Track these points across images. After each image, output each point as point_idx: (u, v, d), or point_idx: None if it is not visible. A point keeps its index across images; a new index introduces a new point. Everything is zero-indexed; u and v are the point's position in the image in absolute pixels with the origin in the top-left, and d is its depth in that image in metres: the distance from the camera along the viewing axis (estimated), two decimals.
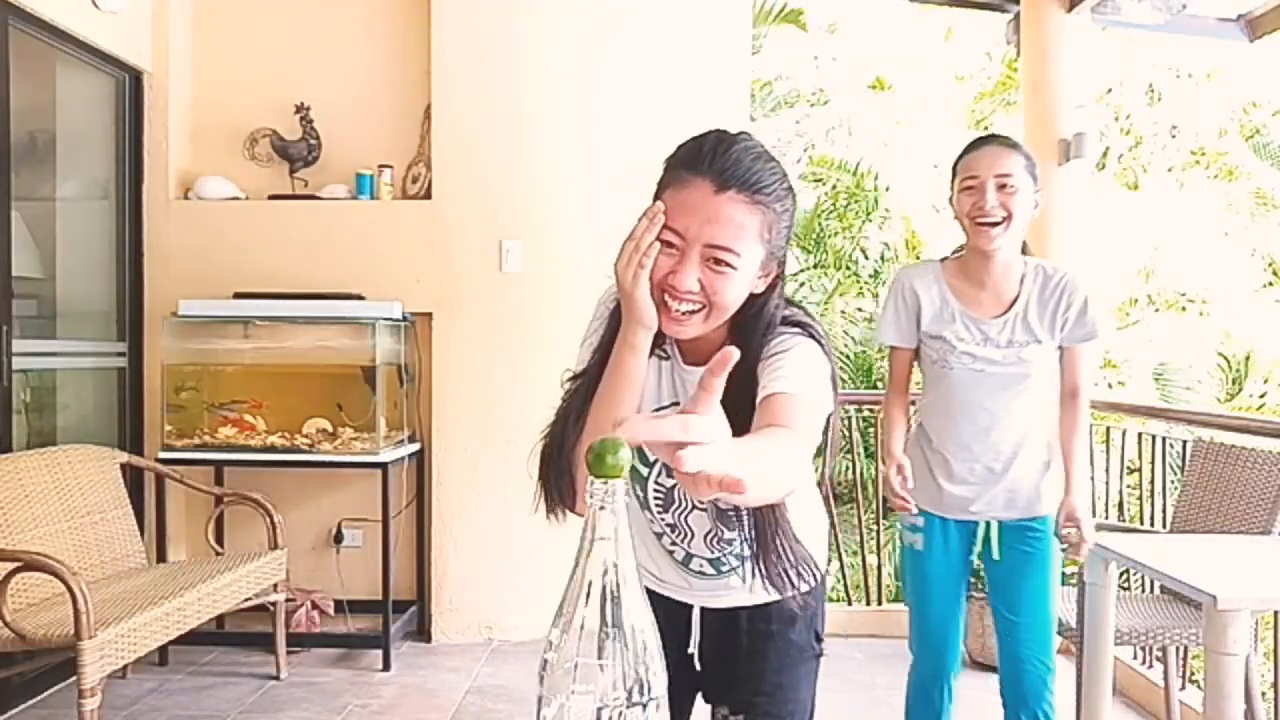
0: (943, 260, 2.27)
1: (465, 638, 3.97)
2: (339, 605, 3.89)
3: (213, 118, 4.12)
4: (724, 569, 1.43)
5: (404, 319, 3.92)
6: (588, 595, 0.79)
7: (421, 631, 4.02)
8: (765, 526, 1.26)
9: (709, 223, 1.18)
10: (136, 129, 3.97)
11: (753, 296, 1.26)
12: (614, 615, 0.79)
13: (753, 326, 1.27)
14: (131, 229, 3.97)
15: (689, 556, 1.43)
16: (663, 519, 1.43)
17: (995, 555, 2.26)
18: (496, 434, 3.97)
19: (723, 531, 1.39)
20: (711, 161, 1.19)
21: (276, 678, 3.47)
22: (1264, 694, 2.73)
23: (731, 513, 1.33)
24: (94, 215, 3.95)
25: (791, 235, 1.30)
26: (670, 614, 1.46)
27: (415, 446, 3.99)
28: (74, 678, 2.49)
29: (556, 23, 4.00)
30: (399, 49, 4.10)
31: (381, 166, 4.00)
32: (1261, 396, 8.56)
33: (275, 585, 3.41)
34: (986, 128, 9.56)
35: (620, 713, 0.79)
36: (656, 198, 1.23)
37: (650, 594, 1.42)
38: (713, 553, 1.42)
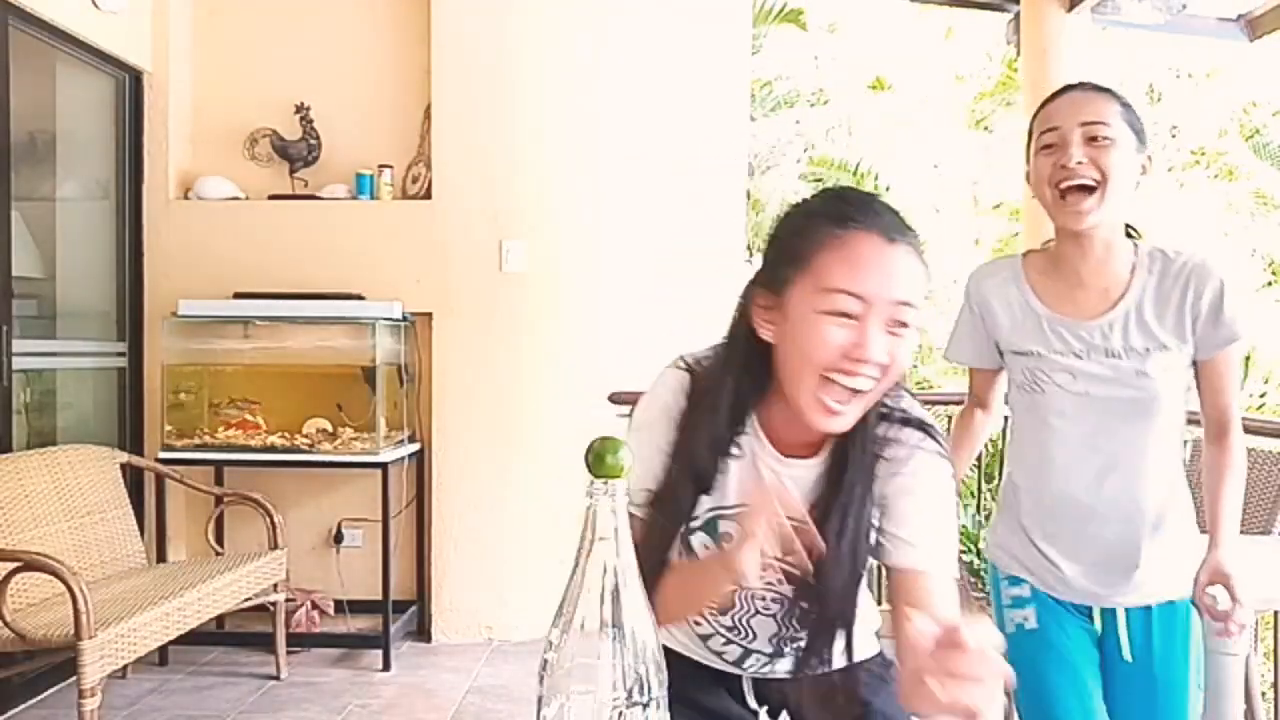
0: (1025, 254, 1.74)
1: (465, 638, 3.97)
2: (339, 605, 3.89)
3: (213, 118, 4.12)
4: (785, 653, 1.28)
5: (404, 319, 3.92)
6: (588, 595, 0.79)
7: (421, 631, 4.02)
8: (824, 636, 1.14)
9: (891, 277, 1.05)
10: (136, 129, 3.97)
11: None
12: (614, 615, 0.79)
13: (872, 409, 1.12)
14: (131, 229, 3.97)
15: (746, 653, 1.28)
16: (718, 621, 1.26)
17: (1126, 654, 1.65)
18: (497, 434, 3.97)
19: (793, 630, 1.22)
20: (870, 212, 1.07)
21: (277, 678, 3.47)
22: (1264, 694, 2.73)
23: (806, 611, 1.17)
24: (94, 215, 3.94)
25: None
26: (717, 677, 1.33)
27: (415, 446, 3.99)
28: (74, 678, 2.49)
29: (556, 23, 4.00)
30: (399, 49, 4.10)
31: (381, 166, 4.00)
32: (1261, 396, 8.55)
33: (275, 585, 3.41)
34: (987, 128, 9.56)
35: (620, 713, 0.79)
36: (790, 268, 1.08)
37: (688, 661, 1.32)
38: (774, 648, 1.27)
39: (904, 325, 1.07)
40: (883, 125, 9.73)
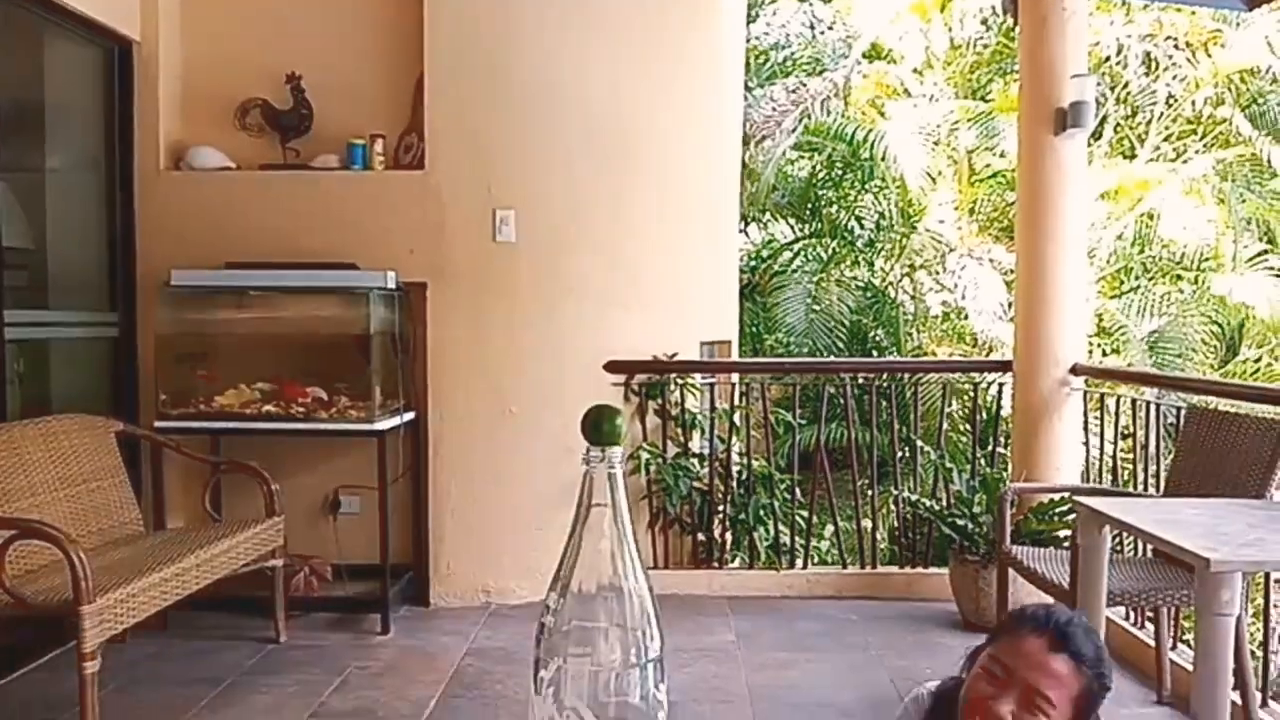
0: None
1: (463, 602, 4.00)
2: (337, 571, 3.91)
3: (203, 88, 4.08)
4: None
5: (398, 289, 3.91)
6: (585, 560, 0.80)
7: (419, 596, 4.05)
8: None
9: (1038, 669, 1.37)
10: (126, 99, 3.93)
11: None
12: (611, 579, 0.80)
13: None
14: (122, 200, 3.95)
15: None
16: None
17: None
18: (492, 402, 3.98)
19: None
20: (1053, 628, 1.40)
21: (276, 641, 3.50)
22: (1252, 652, 2.77)
23: None
24: (84, 186, 3.92)
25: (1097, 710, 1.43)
26: None
27: (410, 415, 3.99)
28: (75, 642, 2.51)
29: None
30: (390, 18, 4.05)
31: (374, 136, 3.97)
32: (1256, 362, 8.58)
33: (273, 551, 3.42)
34: (983, 97, 9.50)
35: (617, 675, 0.80)
36: (991, 641, 1.46)
37: None
38: None
39: (1039, 710, 1.36)
40: (879, 94, 9.67)
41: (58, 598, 2.52)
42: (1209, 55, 8.89)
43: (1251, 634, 2.93)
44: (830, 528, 4.94)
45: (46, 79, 3.76)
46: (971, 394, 4.78)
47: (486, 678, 3.25)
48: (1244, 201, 8.77)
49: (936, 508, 4.11)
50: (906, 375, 6.69)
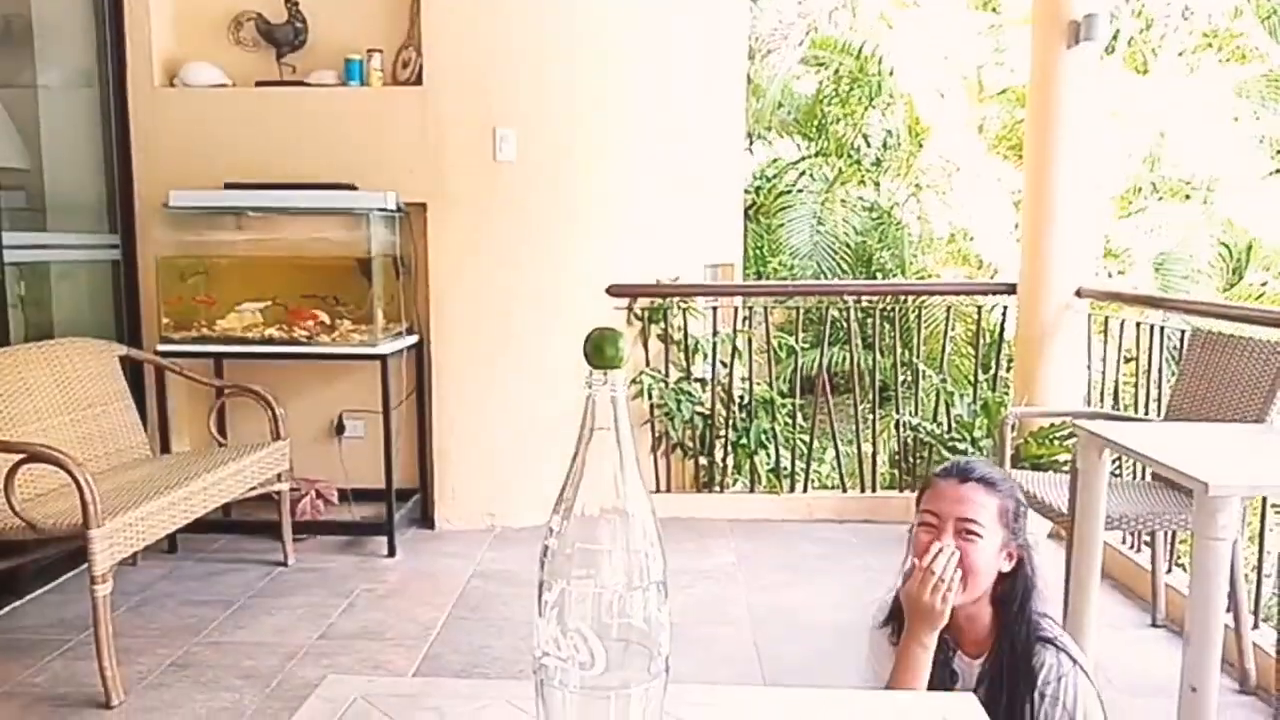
0: None
1: (468, 524, 4.05)
2: (343, 494, 3.95)
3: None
4: None
5: (398, 209, 3.87)
6: (588, 483, 0.80)
7: (425, 519, 4.10)
8: None
9: (958, 502, 1.57)
10: (117, 12, 3.83)
11: (1003, 576, 1.57)
12: (614, 502, 0.80)
13: (1016, 621, 1.56)
14: (118, 117, 3.88)
15: None
16: None
17: None
18: (494, 325, 3.97)
19: None
20: (956, 469, 1.62)
21: (284, 564, 3.56)
22: (1246, 576, 2.80)
23: None
24: (78, 104, 3.84)
25: (1025, 527, 1.59)
26: None
27: (414, 339, 3.99)
28: (86, 564, 2.54)
29: None
30: None
31: (370, 51, 3.88)
32: (1262, 285, 8.53)
33: (280, 475, 3.45)
34: (994, 9, 9.27)
35: (620, 596, 0.80)
36: (918, 505, 1.63)
37: None
38: None
39: (973, 534, 1.54)
40: (887, 6, 9.43)
41: (67, 522, 2.54)
42: None
43: (1245, 558, 2.97)
44: (831, 452, 4.98)
45: None
46: (975, 317, 4.76)
47: (492, 599, 3.31)
48: (1258, 119, 8.61)
49: (937, 432, 4.13)
50: (910, 298, 6.66)
